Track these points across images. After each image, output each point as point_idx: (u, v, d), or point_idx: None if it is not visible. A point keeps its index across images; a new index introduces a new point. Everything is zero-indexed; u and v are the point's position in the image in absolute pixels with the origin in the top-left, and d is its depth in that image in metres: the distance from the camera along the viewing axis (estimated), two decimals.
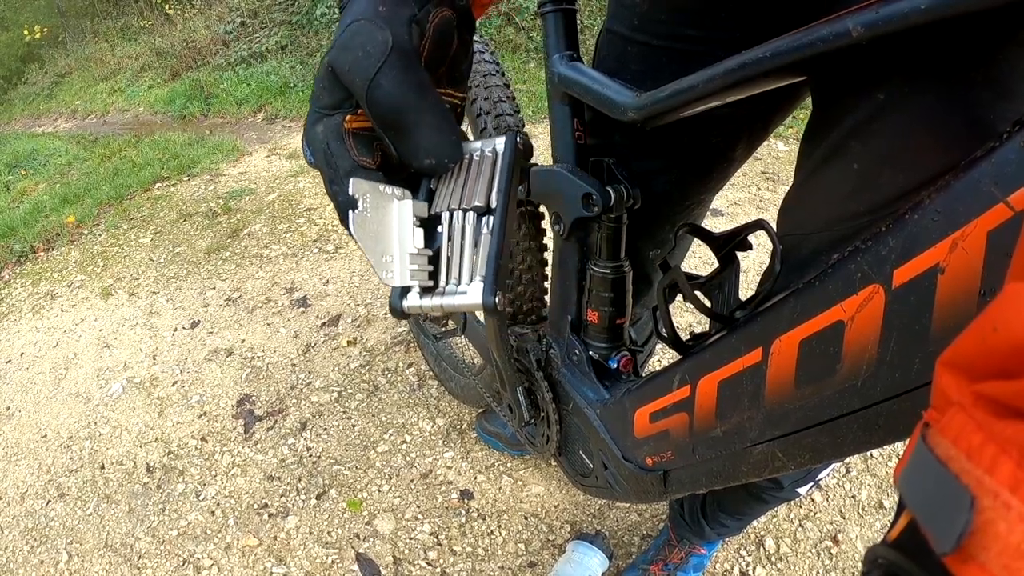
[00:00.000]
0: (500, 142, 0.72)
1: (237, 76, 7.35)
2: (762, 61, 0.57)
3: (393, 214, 0.65)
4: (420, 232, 0.66)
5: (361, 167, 0.65)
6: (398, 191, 0.67)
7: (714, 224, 2.65)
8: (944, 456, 0.28)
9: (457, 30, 0.70)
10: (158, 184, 4.63)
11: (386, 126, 0.63)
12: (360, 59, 0.60)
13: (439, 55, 0.68)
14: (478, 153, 0.73)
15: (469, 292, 0.65)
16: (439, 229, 0.69)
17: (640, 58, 0.90)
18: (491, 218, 0.67)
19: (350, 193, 0.61)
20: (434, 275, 0.67)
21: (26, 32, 12.79)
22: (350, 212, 0.60)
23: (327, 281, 3.04)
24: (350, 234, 0.63)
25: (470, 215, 0.67)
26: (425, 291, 0.66)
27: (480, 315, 1.29)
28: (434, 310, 0.65)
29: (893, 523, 0.35)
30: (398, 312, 0.65)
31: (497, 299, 0.63)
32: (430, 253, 0.67)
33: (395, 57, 0.60)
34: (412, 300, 0.66)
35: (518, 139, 0.72)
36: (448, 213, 0.68)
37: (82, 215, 4.31)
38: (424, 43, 0.65)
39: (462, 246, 0.67)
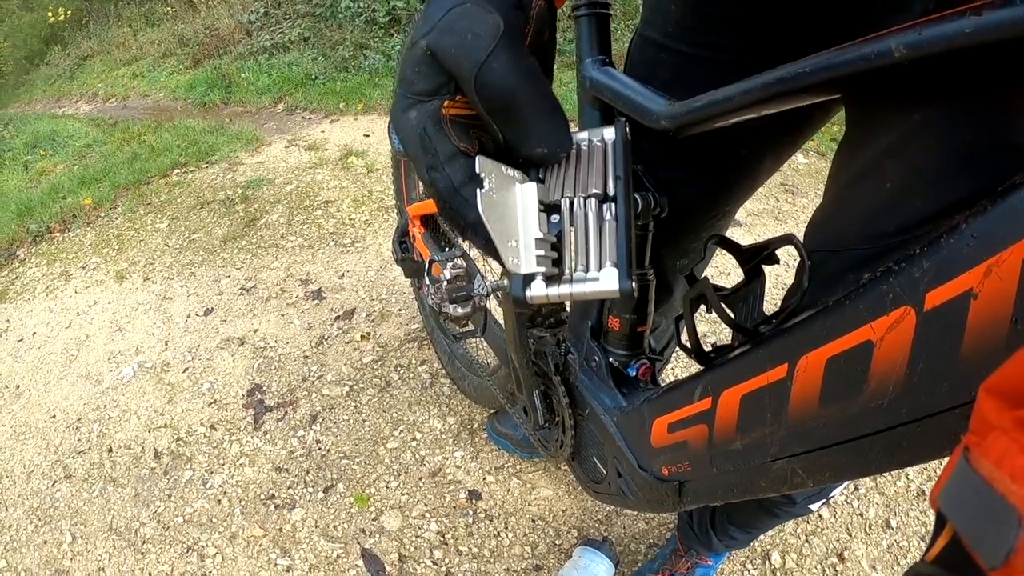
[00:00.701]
0: (608, 131, 0.70)
1: (259, 66, 7.36)
2: (800, 76, 0.57)
3: (517, 197, 0.62)
4: (544, 217, 0.63)
5: (462, 153, 0.62)
6: (518, 174, 0.64)
7: (732, 235, 2.64)
8: (988, 477, 0.29)
9: (549, 27, 0.66)
10: (176, 170, 4.64)
11: (496, 111, 0.59)
12: (469, 41, 0.57)
13: (537, 44, 0.64)
14: (586, 143, 0.70)
15: (602, 278, 0.60)
16: (556, 218, 0.64)
17: (672, 65, 0.90)
18: (612, 205, 0.63)
19: (476, 171, 0.56)
20: (558, 263, 0.62)
21: (50, 14, 12.84)
22: (478, 191, 0.55)
23: (343, 274, 3.05)
24: (460, 223, 0.61)
25: (591, 201, 0.63)
26: (550, 280, 0.61)
27: (500, 317, 1.29)
28: (562, 298, 0.61)
29: (932, 542, 0.36)
30: (522, 302, 0.61)
31: (633, 284, 0.60)
32: (554, 239, 0.63)
33: (507, 41, 0.57)
34: (537, 289, 0.61)
35: (627, 127, 0.69)
36: (567, 200, 0.64)
37: (99, 198, 4.32)
38: (528, 30, 0.62)
39: (587, 232, 0.63)
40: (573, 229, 0.63)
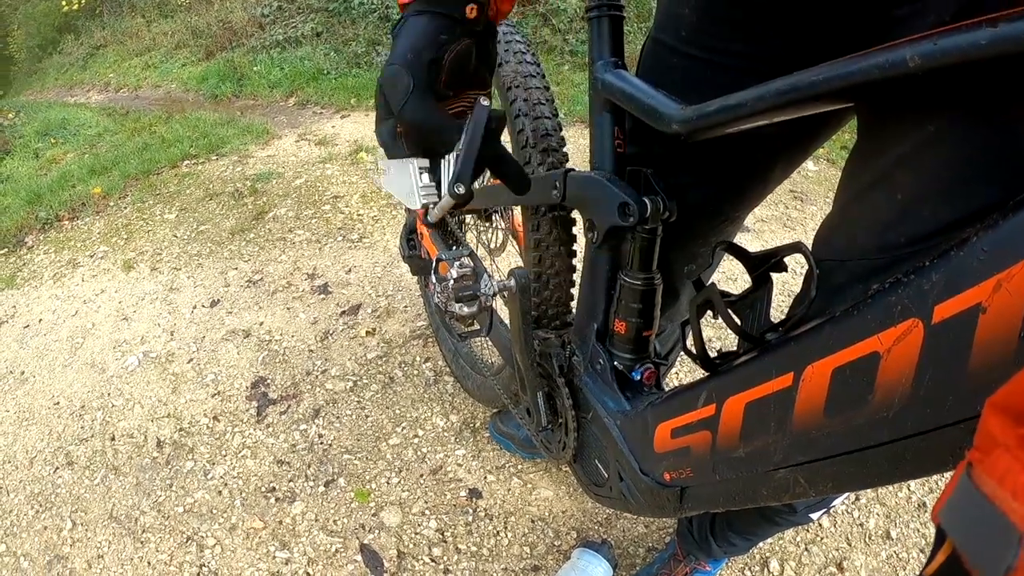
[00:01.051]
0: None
1: (271, 59, 7.37)
2: (814, 84, 0.57)
3: (411, 169, 0.93)
4: (427, 175, 0.93)
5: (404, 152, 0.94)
6: (413, 159, 0.94)
7: (740, 240, 2.64)
8: (991, 494, 0.29)
9: (477, 49, 0.89)
10: (186, 161, 4.65)
11: (407, 132, 0.91)
12: (394, 94, 0.85)
13: (459, 77, 0.89)
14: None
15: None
16: (441, 168, 0.94)
17: (684, 69, 0.90)
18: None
19: (380, 166, 0.96)
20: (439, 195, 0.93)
21: (64, 3, 12.87)
22: (382, 179, 0.98)
23: (349, 269, 3.05)
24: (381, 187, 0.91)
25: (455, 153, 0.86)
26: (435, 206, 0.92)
27: (506, 317, 1.30)
28: (443, 207, 0.90)
29: (931, 557, 0.36)
30: (431, 223, 0.95)
31: (460, 189, 0.83)
32: (433, 184, 0.93)
33: (414, 93, 0.84)
34: (432, 212, 0.93)
35: (487, 105, 0.84)
36: (447, 159, 0.91)
37: (109, 187, 4.33)
38: (443, 75, 0.86)
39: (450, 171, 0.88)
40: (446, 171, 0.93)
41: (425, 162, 0.93)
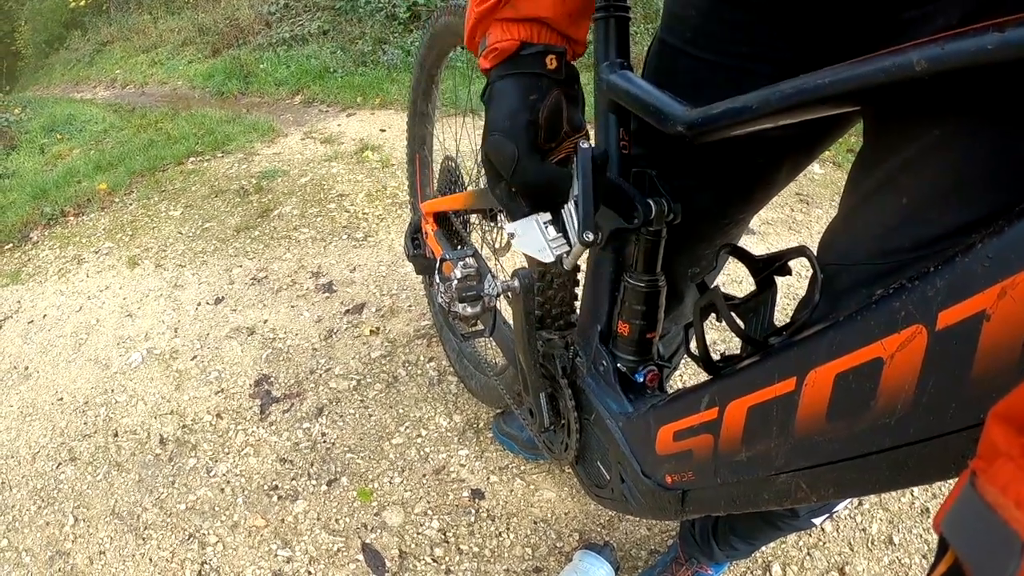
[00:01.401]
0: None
1: (277, 57, 7.39)
2: (820, 87, 0.56)
3: (536, 225, 0.95)
4: (552, 228, 0.94)
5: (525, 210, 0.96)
6: (536, 216, 0.96)
7: (744, 243, 2.63)
8: (994, 504, 0.29)
9: (565, 96, 0.91)
10: (192, 158, 4.66)
11: (523, 193, 0.94)
12: (502, 162, 0.90)
13: (555, 128, 0.91)
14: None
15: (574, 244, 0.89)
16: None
17: (690, 71, 0.90)
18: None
19: (507, 231, 0.97)
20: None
21: None
22: (513, 240, 0.98)
23: (354, 268, 3.05)
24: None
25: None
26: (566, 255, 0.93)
27: (510, 318, 1.29)
28: (576, 255, 0.91)
29: (933, 567, 0.35)
30: (564, 269, 0.94)
31: (588, 236, 0.84)
32: (561, 235, 0.94)
33: (521, 158, 0.88)
34: (567, 261, 0.93)
35: (588, 148, 0.87)
36: (566, 208, 0.91)
37: (114, 183, 4.33)
38: (541, 133, 0.90)
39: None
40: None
41: (547, 215, 0.96)
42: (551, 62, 0.88)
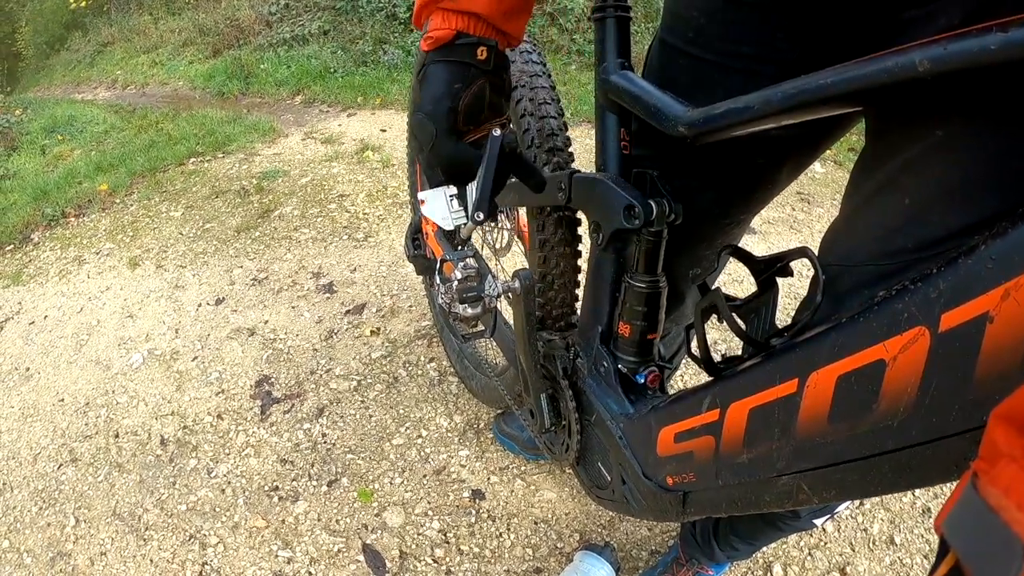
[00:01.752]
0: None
1: (278, 57, 7.39)
2: (822, 88, 0.56)
3: (443, 197, 1.11)
4: (456, 200, 1.10)
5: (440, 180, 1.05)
6: (445, 188, 1.10)
7: (746, 243, 2.63)
8: (995, 506, 0.29)
9: (490, 84, 0.98)
10: (192, 159, 4.65)
11: (437, 163, 1.01)
12: (423, 138, 0.98)
13: (475, 113, 0.99)
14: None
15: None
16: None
17: (692, 72, 0.90)
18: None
19: (420, 197, 1.14)
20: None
21: (72, 0, 12.89)
22: (422, 206, 1.15)
23: (354, 269, 3.05)
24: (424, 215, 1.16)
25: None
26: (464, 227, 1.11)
27: (510, 319, 1.29)
28: (469, 230, 1.16)
29: (934, 568, 0.35)
30: (462, 239, 1.18)
31: (479, 216, 0.97)
32: (462, 208, 1.09)
33: (439, 137, 0.97)
34: (462, 231, 1.15)
35: (499, 135, 0.96)
36: (471, 186, 1.03)
37: (115, 184, 4.33)
38: (460, 117, 0.97)
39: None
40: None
41: (454, 189, 1.09)
42: (481, 53, 0.94)
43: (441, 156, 0.99)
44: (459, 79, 0.95)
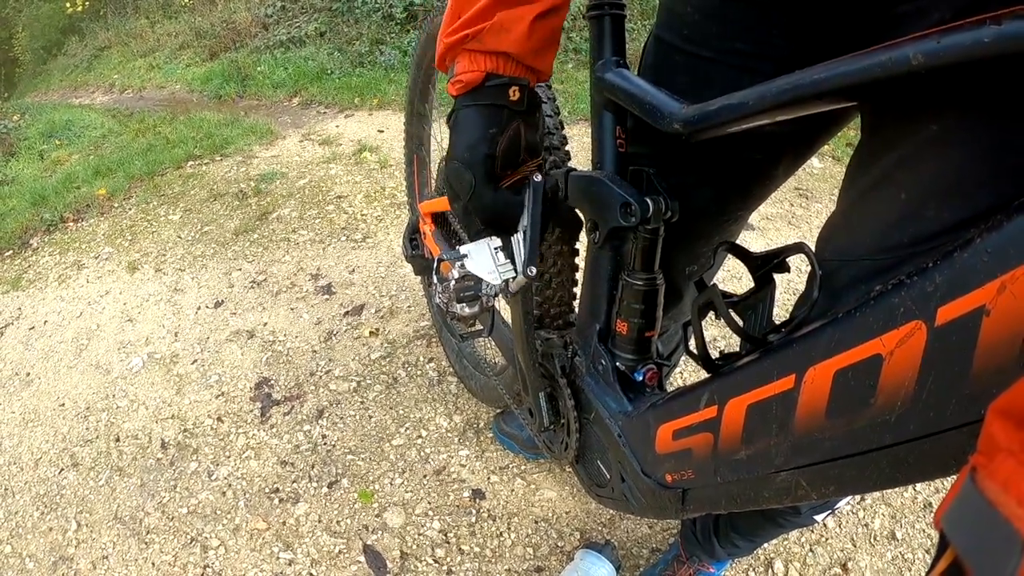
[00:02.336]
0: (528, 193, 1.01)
1: (275, 59, 7.38)
2: (817, 83, 0.56)
3: (487, 250, 1.05)
4: (502, 253, 1.05)
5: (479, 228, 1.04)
6: (488, 239, 1.06)
7: (744, 239, 2.63)
8: (994, 500, 0.29)
9: (524, 125, 0.97)
10: (190, 162, 4.65)
11: (477, 213, 1.00)
12: (460, 188, 0.97)
13: (513, 157, 0.97)
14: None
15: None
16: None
17: (687, 69, 0.90)
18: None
19: (462, 252, 1.06)
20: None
21: (68, 4, 12.89)
22: (465, 260, 1.06)
23: (353, 270, 3.05)
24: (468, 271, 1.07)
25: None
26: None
27: (508, 317, 1.29)
28: (519, 284, 1.03)
29: (934, 564, 0.35)
30: (506, 293, 1.08)
31: (532, 271, 0.98)
32: (509, 261, 1.05)
33: (477, 186, 0.95)
34: (512, 286, 1.05)
35: (540, 182, 1.00)
36: (515, 237, 1.02)
37: (113, 188, 4.32)
38: (498, 163, 0.95)
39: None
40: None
41: (498, 241, 1.05)
42: (514, 94, 0.92)
43: (481, 206, 0.98)
44: (494, 123, 0.93)
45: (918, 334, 0.49)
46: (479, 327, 1.56)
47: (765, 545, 1.73)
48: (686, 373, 2.26)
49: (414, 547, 1.80)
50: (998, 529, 0.27)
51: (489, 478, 1.99)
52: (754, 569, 1.73)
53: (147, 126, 5.89)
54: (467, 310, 1.12)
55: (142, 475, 2.10)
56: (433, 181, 2.06)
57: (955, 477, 0.37)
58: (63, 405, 2.46)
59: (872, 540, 1.80)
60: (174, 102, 7.33)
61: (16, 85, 14.41)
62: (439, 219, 1.79)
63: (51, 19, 14.02)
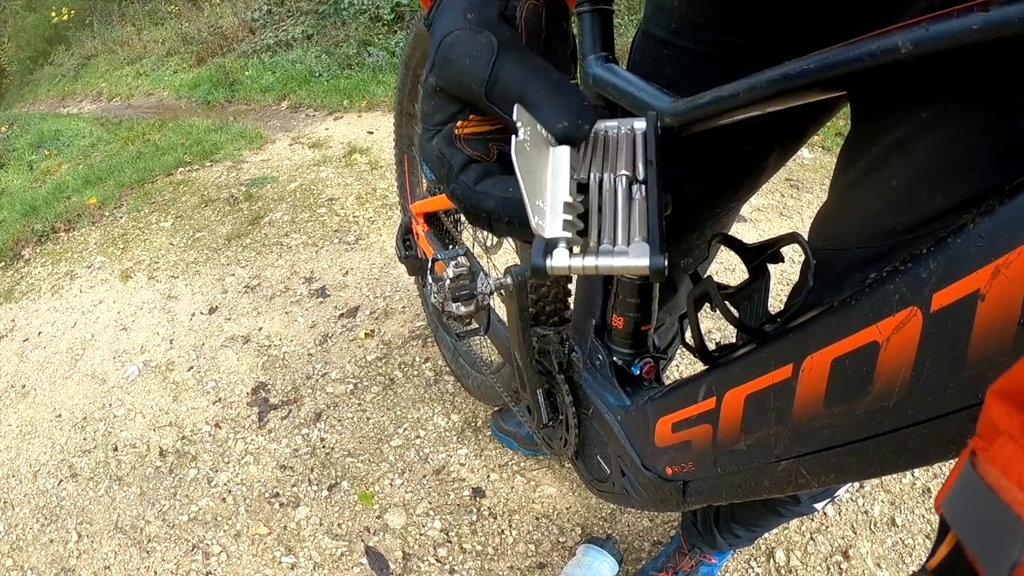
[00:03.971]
0: (639, 122, 0.68)
1: (262, 64, 7.37)
2: (806, 73, 0.56)
3: (549, 158, 0.59)
4: (574, 186, 0.59)
5: (475, 161, 0.65)
6: (554, 140, 0.61)
7: (736, 230, 2.63)
8: (995, 485, 0.28)
9: (547, 17, 0.67)
10: (180, 169, 4.64)
11: (510, 111, 0.58)
12: (469, 66, 0.60)
13: (534, 46, 0.66)
14: (614, 130, 0.68)
15: (631, 252, 0.56)
16: (582, 197, 0.60)
17: (676, 62, 0.90)
18: (642, 187, 0.60)
19: (514, 118, 0.55)
20: (583, 233, 0.58)
21: (54, 14, 12.85)
22: (513, 137, 0.53)
23: (346, 272, 3.05)
24: (481, 217, 0.63)
25: (622, 178, 0.60)
26: (572, 250, 0.56)
27: (503, 314, 1.29)
28: (585, 270, 0.56)
29: (934, 550, 0.35)
30: (541, 272, 0.55)
31: (665, 261, 0.55)
32: (582, 209, 0.59)
33: (504, 52, 0.60)
34: (559, 259, 0.55)
35: (658, 121, 0.68)
36: (595, 175, 0.61)
37: (104, 197, 4.32)
38: (520, 35, 0.64)
39: (615, 208, 0.59)
40: (601, 204, 0.60)
41: (574, 156, 0.61)
42: None
43: (513, 81, 0.60)
44: None
45: (914, 320, 0.49)
46: (475, 326, 1.56)
47: (766, 535, 1.73)
48: (682, 366, 2.26)
49: (416, 547, 1.80)
50: (999, 514, 0.27)
51: (489, 476, 1.99)
52: (755, 559, 1.74)
53: (136, 134, 5.89)
54: (463, 309, 1.12)
55: (141, 484, 2.10)
56: (424, 181, 2.05)
57: (955, 461, 0.37)
58: (60, 416, 2.45)
59: (872, 527, 1.80)
60: (163, 109, 7.32)
61: (3, 96, 14.36)
62: (432, 219, 1.79)
63: (37, 29, 13.97)
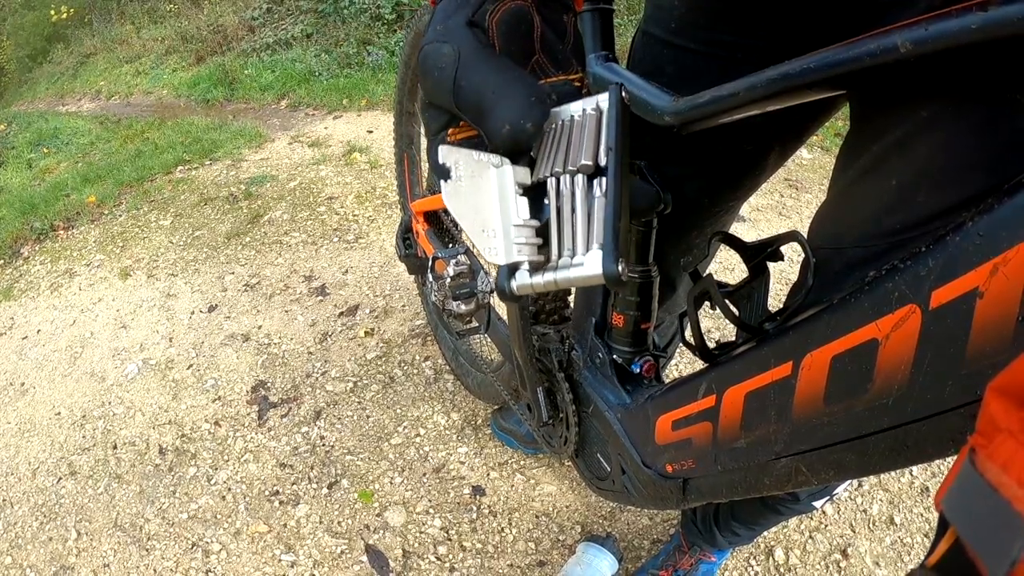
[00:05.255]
0: (603, 97, 0.68)
1: (262, 62, 7.36)
2: (805, 72, 0.56)
3: (492, 183, 0.60)
4: (524, 201, 0.60)
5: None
6: (495, 159, 0.62)
7: (735, 230, 2.62)
8: (995, 482, 0.28)
9: (539, 13, 0.73)
10: (180, 167, 4.63)
11: (473, 118, 0.66)
12: (438, 78, 0.66)
13: (516, 45, 0.71)
14: (579, 114, 0.67)
15: (586, 263, 0.57)
16: (545, 200, 0.62)
17: (676, 62, 0.90)
18: (603, 179, 0.60)
19: (440, 161, 0.60)
20: (544, 248, 0.59)
21: (53, 12, 12.82)
22: (442, 182, 0.58)
23: (346, 270, 3.05)
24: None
25: (579, 178, 0.60)
26: (535, 267, 0.58)
27: (503, 313, 1.29)
28: (547, 287, 0.58)
29: (933, 547, 0.35)
30: (507, 294, 0.58)
31: (620, 267, 0.56)
32: (537, 224, 0.60)
33: (466, 59, 0.64)
34: (522, 279, 0.58)
35: (622, 91, 0.68)
36: (553, 178, 0.61)
37: (103, 195, 4.31)
38: (492, 39, 0.69)
39: (573, 212, 0.59)
40: (559, 211, 0.61)
41: (518, 172, 0.62)
42: None
43: (474, 81, 0.64)
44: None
45: (913, 318, 0.49)
46: (475, 324, 1.57)
47: (765, 533, 1.73)
48: (682, 364, 2.26)
49: (416, 545, 1.81)
50: (999, 511, 0.27)
51: (489, 474, 1.99)
52: (755, 557, 1.74)
53: (135, 132, 5.88)
54: (463, 307, 1.13)
55: (141, 482, 2.10)
56: (424, 180, 2.06)
57: (954, 459, 0.37)
58: (59, 414, 2.45)
59: (871, 525, 1.81)
60: (162, 107, 7.30)
61: (2, 94, 14.33)
62: (431, 217, 1.79)
63: (36, 27, 13.94)
